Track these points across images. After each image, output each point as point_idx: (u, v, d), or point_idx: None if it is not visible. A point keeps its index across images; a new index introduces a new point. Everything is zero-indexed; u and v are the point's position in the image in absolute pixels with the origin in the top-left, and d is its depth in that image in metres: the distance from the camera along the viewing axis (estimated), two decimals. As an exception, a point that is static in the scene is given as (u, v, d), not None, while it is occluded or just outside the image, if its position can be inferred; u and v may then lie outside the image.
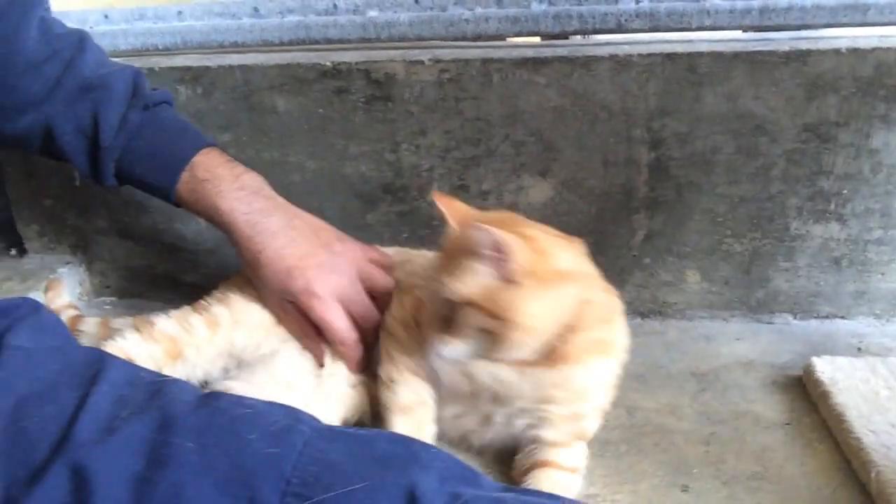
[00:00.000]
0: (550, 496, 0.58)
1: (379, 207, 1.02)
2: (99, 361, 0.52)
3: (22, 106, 0.80)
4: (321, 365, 0.80)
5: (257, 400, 0.52)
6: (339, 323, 0.78)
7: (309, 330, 0.79)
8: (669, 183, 0.95)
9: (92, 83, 0.81)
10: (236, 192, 0.80)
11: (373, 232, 1.03)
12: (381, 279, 0.82)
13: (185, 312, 0.83)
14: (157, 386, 0.51)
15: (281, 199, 0.83)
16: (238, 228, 0.79)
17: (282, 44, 1.02)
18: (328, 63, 0.95)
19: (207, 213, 0.81)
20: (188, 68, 0.97)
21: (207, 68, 0.97)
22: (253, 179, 0.82)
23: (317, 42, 1.01)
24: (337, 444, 0.48)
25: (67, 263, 1.12)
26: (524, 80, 0.92)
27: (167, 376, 0.54)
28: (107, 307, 1.12)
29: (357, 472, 0.47)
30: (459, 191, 0.99)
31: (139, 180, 0.83)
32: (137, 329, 0.81)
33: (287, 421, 0.49)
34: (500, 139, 0.95)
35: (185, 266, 1.10)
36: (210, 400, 0.51)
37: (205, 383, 0.83)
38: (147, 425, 0.47)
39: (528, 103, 0.93)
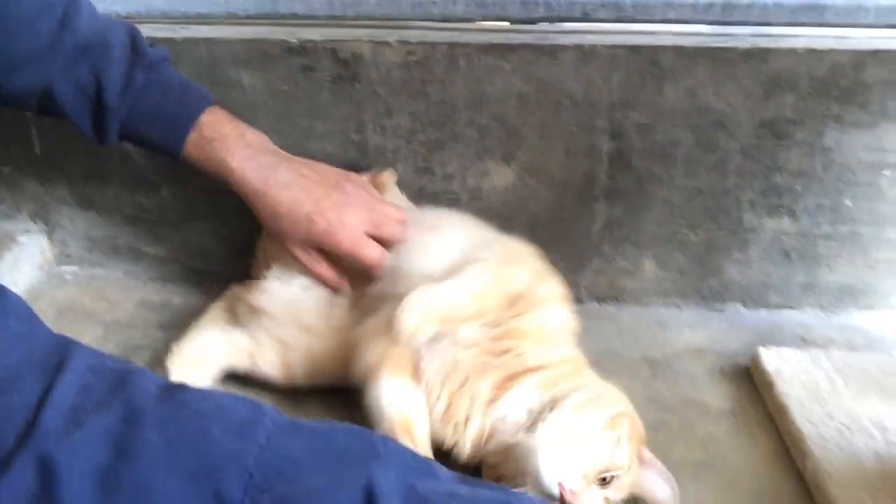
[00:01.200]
0: (503, 489, 0.61)
1: (343, 187, 1.02)
2: (63, 348, 0.52)
3: (17, 64, 0.78)
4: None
5: (221, 393, 0.53)
6: (368, 251, 0.82)
7: (333, 271, 0.85)
8: (629, 173, 0.97)
9: (90, 41, 0.79)
10: (244, 149, 0.82)
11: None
12: (393, 210, 0.87)
13: None
14: (121, 375, 0.52)
15: (283, 153, 0.87)
16: (251, 185, 0.82)
17: (248, 17, 1.01)
18: (294, 40, 0.94)
19: (217, 171, 0.83)
20: (151, 39, 0.95)
21: (171, 40, 0.95)
22: (256, 136, 0.85)
23: (283, 17, 1.00)
24: (298, 439, 0.49)
25: (27, 231, 1.11)
26: (490, 65, 0.92)
27: (131, 363, 0.54)
28: (68, 277, 1.11)
29: (317, 467, 0.48)
30: (424, 173, 0.99)
31: (145, 140, 0.84)
32: None
33: (250, 415, 0.50)
34: (465, 123, 0.96)
35: (147, 238, 1.09)
36: (174, 392, 0.51)
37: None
38: (112, 417, 0.48)
39: (493, 89, 0.94)
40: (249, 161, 0.82)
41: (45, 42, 0.78)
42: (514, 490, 0.63)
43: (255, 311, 0.87)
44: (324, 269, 0.85)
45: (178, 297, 1.06)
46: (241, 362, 0.86)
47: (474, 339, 0.74)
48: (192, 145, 0.82)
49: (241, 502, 0.45)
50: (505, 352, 0.74)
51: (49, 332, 0.55)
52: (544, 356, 0.74)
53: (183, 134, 0.82)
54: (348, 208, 0.83)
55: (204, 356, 0.85)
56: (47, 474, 0.45)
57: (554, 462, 0.64)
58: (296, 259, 0.85)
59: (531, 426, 0.68)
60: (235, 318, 0.89)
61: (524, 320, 0.76)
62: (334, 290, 0.86)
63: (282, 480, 0.46)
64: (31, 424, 0.47)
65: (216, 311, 0.92)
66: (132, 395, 0.49)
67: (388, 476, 0.48)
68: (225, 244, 1.08)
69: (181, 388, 0.52)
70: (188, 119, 0.82)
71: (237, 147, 0.82)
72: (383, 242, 0.84)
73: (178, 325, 0.99)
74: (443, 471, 0.54)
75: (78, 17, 0.80)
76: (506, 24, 0.98)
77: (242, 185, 0.82)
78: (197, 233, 1.08)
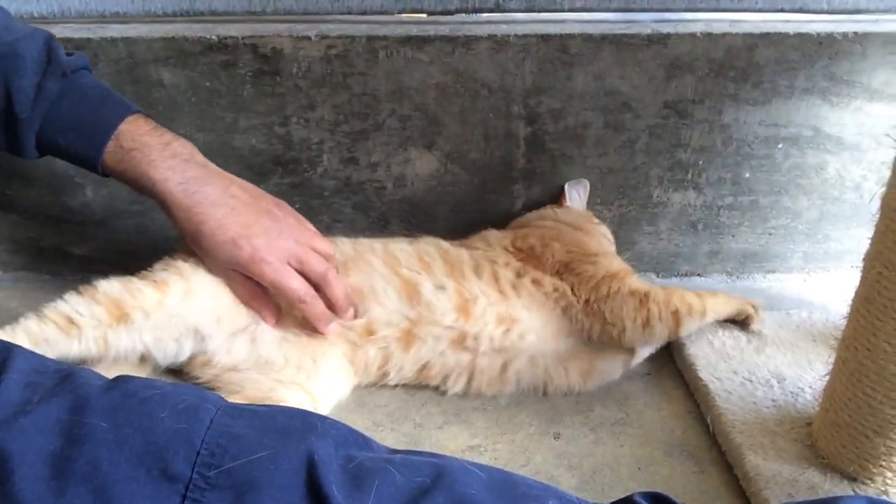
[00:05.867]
0: (433, 454, 0.65)
1: (271, 179, 1.04)
2: (5, 350, 0.54)
3: None
4: (273, 322, 0.84)
5: (165, 382, 0.56)
6: (293, 283, 0.80)
7: (258, 293, 0.82)
8: (545, 155, 1.02)
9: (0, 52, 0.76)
10: (168, 160, 0.78)
11: (264, 203, 1.05)
12: (322, 244, 0.85)
13: (128, 278, 0.81)
14: (65, 372, 0.54)
15: (214, 167, 0.82)
16: (174, 199, 0.78)
17: (165, 15, 1.01)
18: (214, 37, 0.95)
19: (138, 183, 0.79)
20: (68, 40, 0.95)
21: (89, 40, 0.95)
22: (183, 147, 0.81)
23: (201, 13, 1.01)
24: (241, 420, 0.53)
25: (-53, 237, 1.09)
26: (408, 57, 0.96)
27: (73, 365, 0.56)
28: (-9, 281, 1.11)
29: (261, 442, 0.51)
30: (349, 163, 1.02)
31: (63, 151, 0.80)
32: (78, 291, 0.79)
33: (194, 400, 0.53)
34: (387, 114, 0.99)
35: (72, 238, 1.09)
36: (119, 383, 0.54)
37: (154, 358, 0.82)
38: (60, 407, 0.50)
39: (412, 80, 0.97)
40: (173, 173, 0.78)
41: None
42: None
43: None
44: (244, 295, 0.82)
45: (109, 295, 1.06)
46: None
47: None
48: (110, 155, 0.78)
49: (189, 479, 0.48)
50: None
51: None
52: None
53: (100, 144, 0.78)
54: (277, 237, 0.80)
55: None
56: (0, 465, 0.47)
57: None
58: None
59: None
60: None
61: None
62: (264, 317, 0.83)
63: (228, 455, 0.49)
64: None
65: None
66: (78, 387, 0.51)
67: (326, 447, 0.52)
68: (151, 240, 1.09)
69: (126, 379, 0.55)
70: (106, 128, 0.78)
71: (160, 157, 0.78)
72: (307, 277, 0.82)
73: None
74: (376, 444, 0.58)
75: None
76: (423, 16, 1.02)
77: (164, 198, 0.78)
78: (123, 231, 1.09)
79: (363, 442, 0.57)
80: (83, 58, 0.83)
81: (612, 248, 1.02)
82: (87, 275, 1.09)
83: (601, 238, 0.99)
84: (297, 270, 0.81)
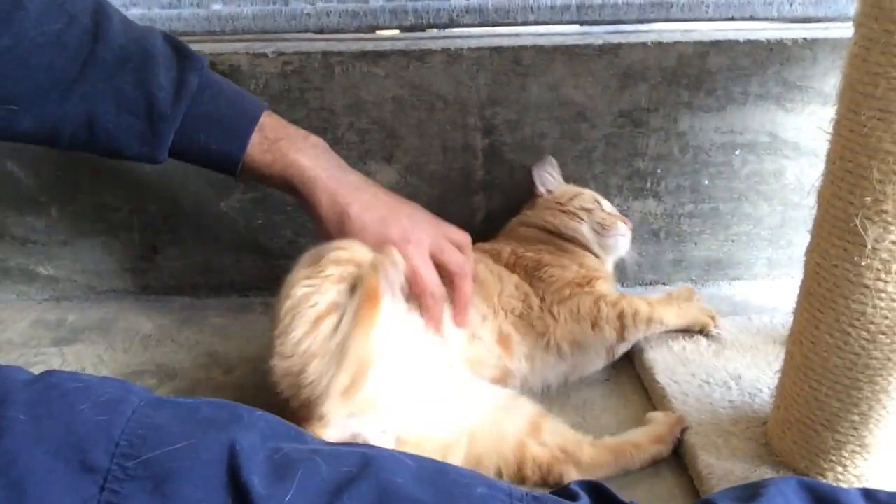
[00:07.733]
0: (365, 445, 0.64)
1: (233, 195, 1.05)
2: None
3: (49, 88, 0.70)
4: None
5: (92, 376, 0.56)
6: (430, 275, 0.78)
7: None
8: (504, 166, 1.03)
9: (129, 51, 0.73)
10: (312, 149, 0.79)
11: (228, 218, 1.06)
12: (458, 234, 0.84)
13: None
14: None
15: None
16: (323, 183, 0.78)
17: (128, 36, 1.03)
18: (173, 56, 0.97)
19: (286, 172, 0.78)
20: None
21: (50, 61, 0.97)
22: (320, 140, 0.82)
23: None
24: (163, 411, 0.52)
25: (-88, 260, 1.10)
26: (364, 71, 0.97)
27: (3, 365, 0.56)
28: (-43, 303, 1.11)
29: (181, 432, 0.51)
30: (309, 177, 1.03)
31: (202, 148, 0.77)
32: None
33: (118, 393, 0.53)
34: (346, 128, 1.01)
35: (38, 258, 1.10)
36: (44, 377, 0.54)
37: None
38: None
39: (369, 94, 0.98)
40: (320, 160, 0.79)
41: (80, 60, 0.70)
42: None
43: None
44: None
45: (73, 314, 1.07)
46: None
47: None
48: (256, 147, 0.77)
49: (108, 470, 0.48)
50: None
51: None
52: None
53: (245, 136, 0.76)
54: (422, 223, 0.80)
55: None
56: None
57: None
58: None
59: None
60: None
61: None
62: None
63: (147, 446, 0.49)
64: None
65: None
66: (0, 383, 0.52)
67: (250, 437, 0.51)
68: (117, 259, 1.09)
69: (51, 373, 0.55)
70: (249, 120, 0.77)
71: (305, 146, 0.79)
72: (446, 267, 0.80)
73: (72, 342, 1.00)
74: (312, 437, 0.58)
75: (109, 25, 0.72)
76: (396, 32, 1.04)
77: (313, 184, 0.78)
78: (89, 250, 1.09)
79: (296, 434, 0.56)
80: (202, 56, 0.80)
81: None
82: (54, 294, 1.12)
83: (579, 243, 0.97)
84: (436, 259, 0.80)
